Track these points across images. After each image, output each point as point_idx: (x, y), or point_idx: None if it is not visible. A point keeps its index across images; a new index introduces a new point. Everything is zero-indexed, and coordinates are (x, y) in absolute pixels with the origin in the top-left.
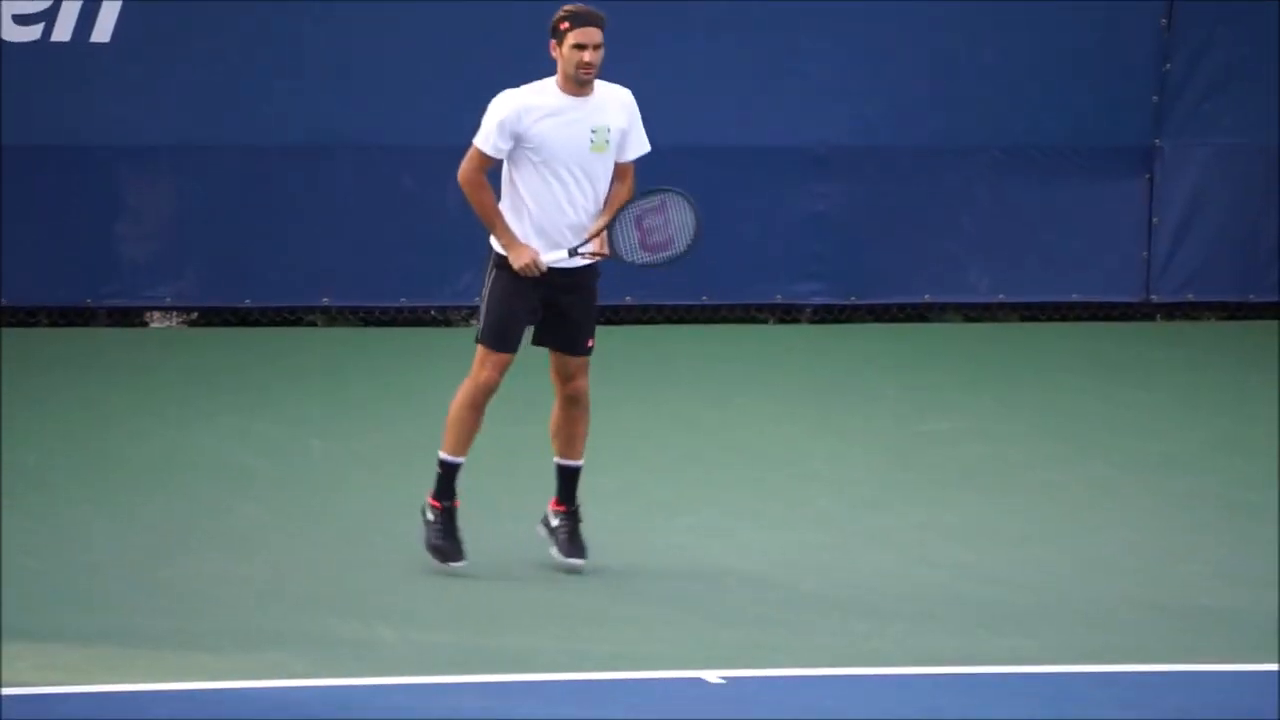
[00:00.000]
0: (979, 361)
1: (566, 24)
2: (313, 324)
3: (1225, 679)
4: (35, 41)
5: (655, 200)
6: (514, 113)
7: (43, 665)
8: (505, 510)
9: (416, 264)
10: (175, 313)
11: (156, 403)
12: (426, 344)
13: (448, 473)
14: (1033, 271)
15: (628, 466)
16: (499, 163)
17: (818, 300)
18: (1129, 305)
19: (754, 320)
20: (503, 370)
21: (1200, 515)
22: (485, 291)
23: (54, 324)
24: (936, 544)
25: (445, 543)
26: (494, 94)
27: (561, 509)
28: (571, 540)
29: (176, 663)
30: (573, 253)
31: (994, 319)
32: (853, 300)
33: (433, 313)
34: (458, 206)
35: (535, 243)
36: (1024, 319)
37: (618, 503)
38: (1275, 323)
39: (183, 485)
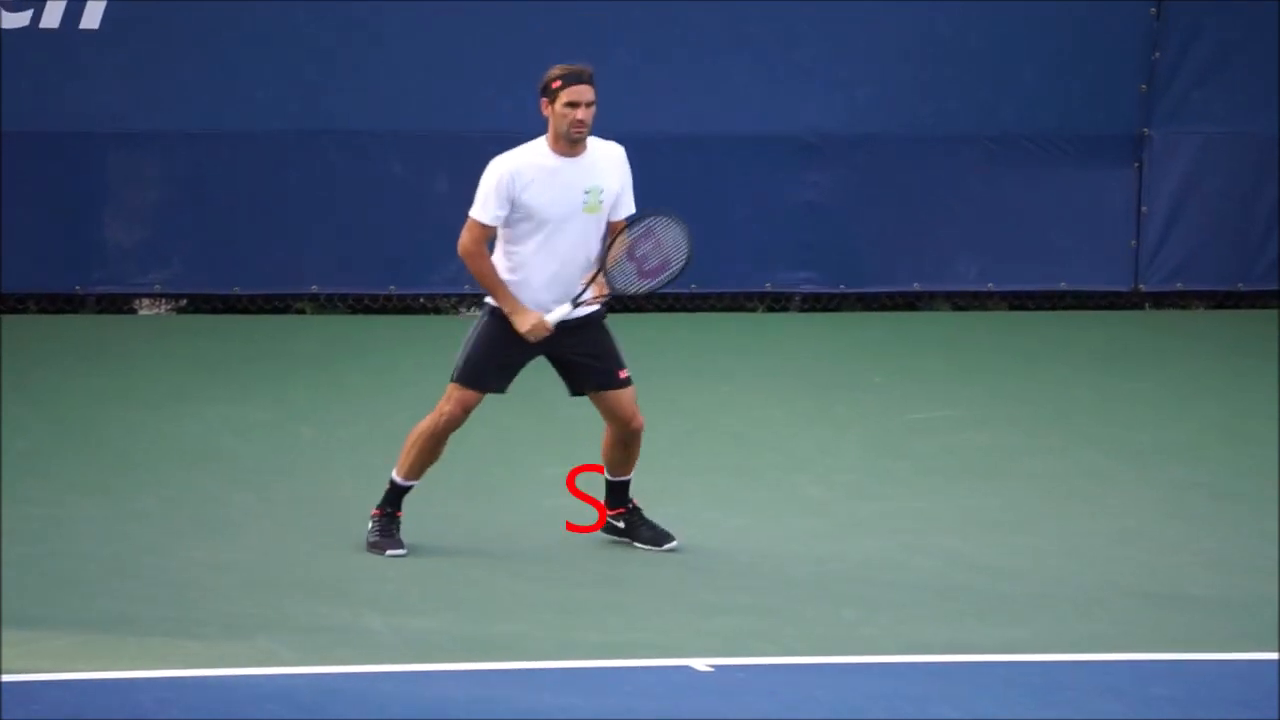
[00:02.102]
0: (968, 350)
1: (559, 82)
2: (301, 311)
3: (1216, 668)
4: (25, 28)
5: (641, 228)
6: (508, 179)
7: (31, 653)
8: (497, 499)
9: (405, 251)
10: (164, 300)
11: (145, 390)
12: (415, 331)
13: (398, 492)
14: (1022, 260)
15: None
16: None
17: (807, 288)
18: (1118, 294)
19: (743, 308)
20: (468, 410)
21: (1191, 504)
22: (473, 332)
23: (43, 311)
24: (926, 532)
25: (380, 539)
26: (483, 80)
27: (621, 510)
28: (653, 529)
29: (164, 650)
30: (576, 303)
31: (983, 308)
32: (842, 289)
33: (421, 300)
34: (447, 194)
35: (534, 300)
36: (1013, 308)
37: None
38: (1265, 311)
39: (171, 472)
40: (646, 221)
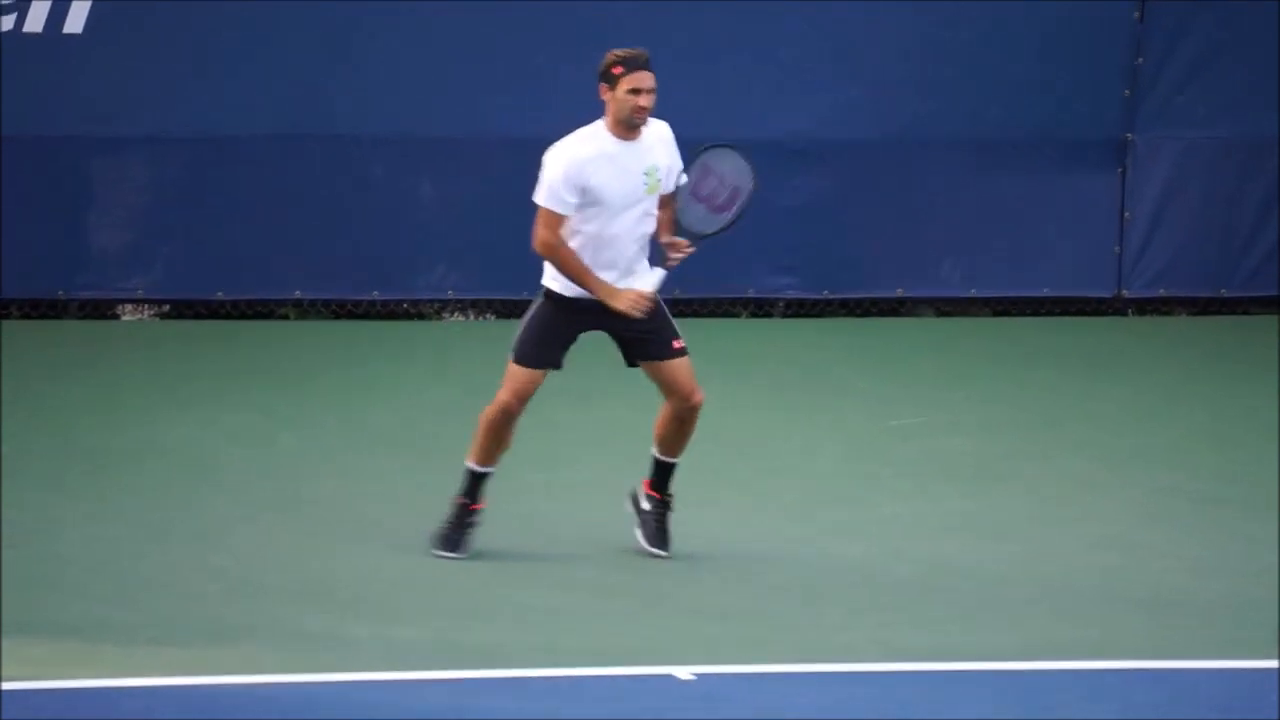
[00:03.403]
0: (951, 355)
1: (620, 68)
2: (285, 317)
3: (1200, 675)
4: (8, 32)
5: (696, 169)
6: (575, 167)
7: (11, 659)
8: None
9: (389, 257)
10: (147, 305)
11: (127, 395)
12: (399, 337)
13: (474, 479)
14: (1005, 265)
15: (599, 459)
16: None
17: (791, 294)
18: (1101, 300)
19: (727, 314)
20: (526, 396)
21: (1174, 510)
22: (528, 316)
23: (25, 316)
24: (909, 538)
25: (448, 531)
26: (467, 85)
27: (655, 495)
28: (659, 530)
29: (145, 657)
30: (666, 266)
31: (966, 313)
32: (825, 294)
33: (405, 306)
34: (431, 199)
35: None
36: (996, 313)
37: (589, 495)
38: (1247, 317)
39: (153, 477)
40: (699, 161)
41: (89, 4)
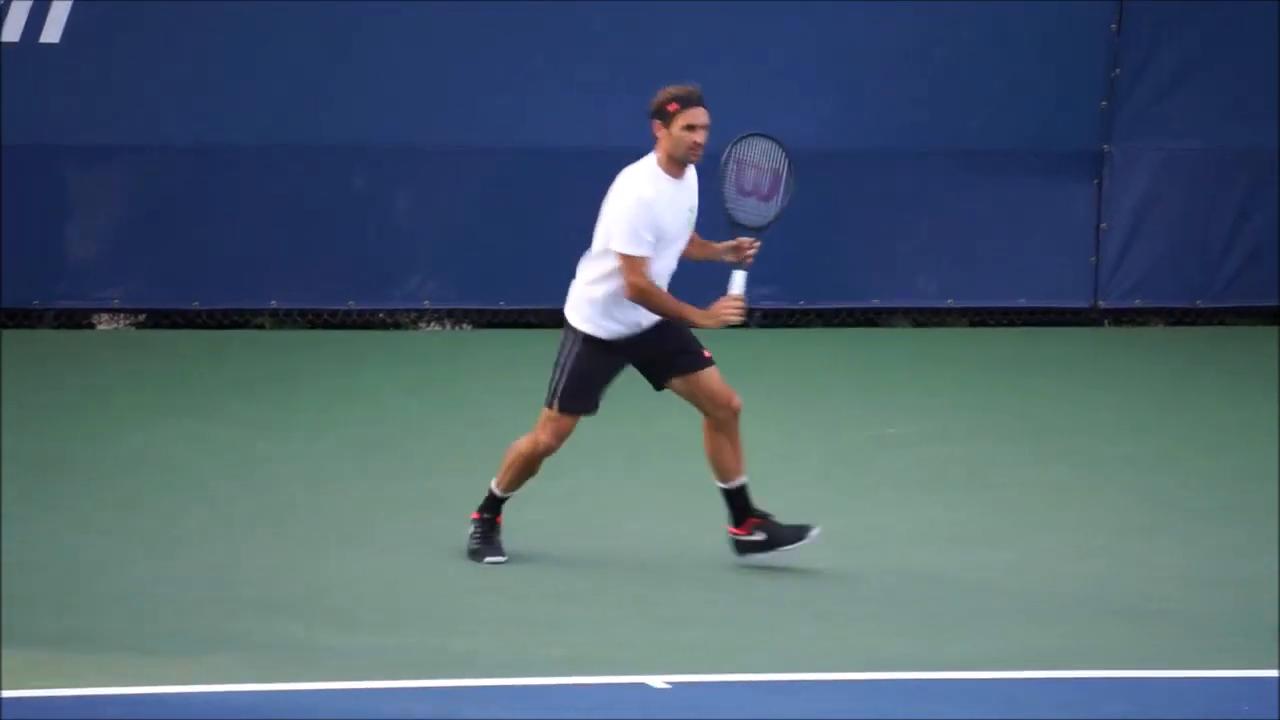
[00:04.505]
0: (929, 366)
1: (675, 105)
2: (260, 327)
3: (1179, 685)
4: None
5: (731, 166)
6: (648, 209)
7: None
8: (452, 513)
9: (365, 267)
10: (123, 315)
11: (103, 405)
12: (374, 347)
13: (496, 502)
14: (981, 276)
15: (576, 469)
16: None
17: (767, 304)
18: (1077, 310)
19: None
20: (564, 438)
21: (1151, 519)
22: (564, 358)
23: (1, 326)
24: (886, 547)
25: (481, 545)
26: (444, 95)
27: (754, 521)
28: (787, 529)
29: (121, 666)
30: (744, 266)
31: (943, 324)
32: (802, 304)
33: (381, 315)
34: (408, 209)
35: (634, 319)
36: (973, 324)
37: (566, 505)
38: (1223, 328)
39: (128, 487)
40: (729, 159)
41: (67, 14)
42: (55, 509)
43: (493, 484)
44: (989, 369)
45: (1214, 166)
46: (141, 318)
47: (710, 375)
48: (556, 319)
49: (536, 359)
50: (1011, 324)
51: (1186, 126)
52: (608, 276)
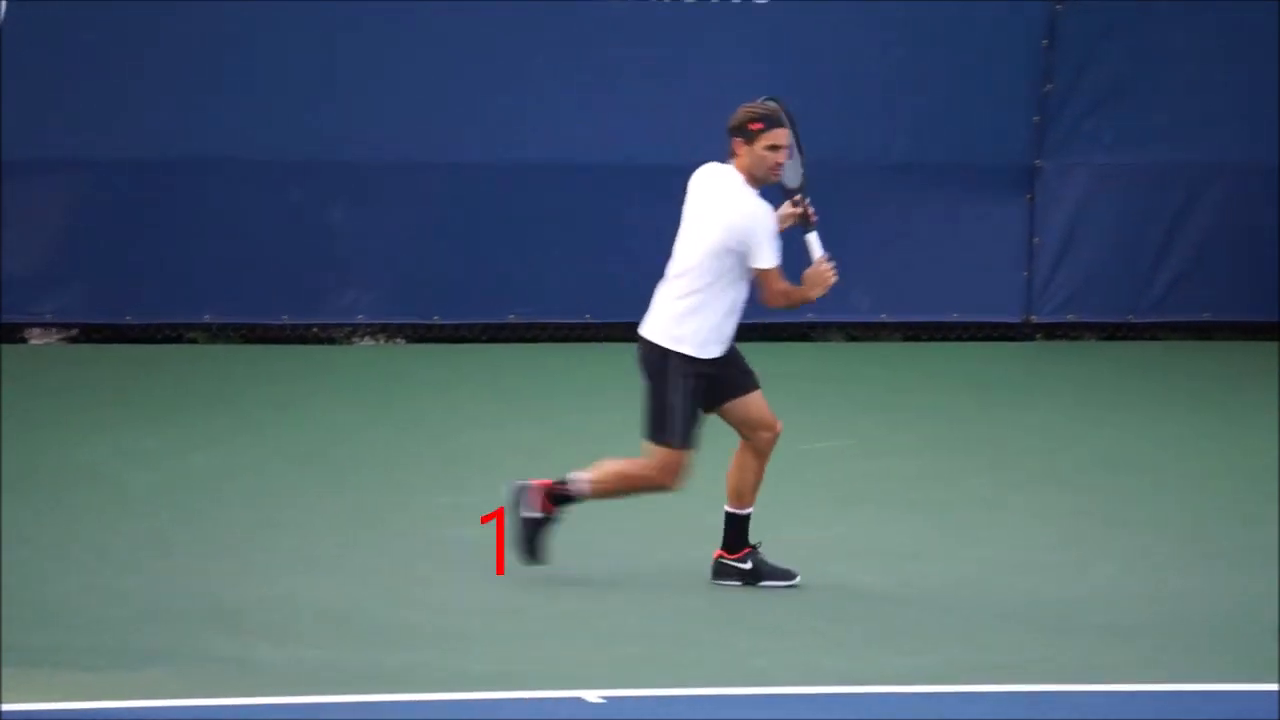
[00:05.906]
0: (862, 380)
1: (759, 124)
2: (194, 341)
3: (1109, 698)
4: None
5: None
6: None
7: None
8: (387, 528)
9: (299, 281)
10: (55, 329)
11: (36, 419)
12: (309, 361)
13: (570, 500)
14: (915, 291)
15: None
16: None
17: None
18: (1010, 325)
19: (628, 340)
20: (687, 476)
21: (1082, 533)
22: (675, 389)
23: None
24: (822, 561)
25: (527, 545)
26: (380, 110)
27: (748, 550)
28: (775, 566)
29: (50, 681)
30: (813, 225)
31: (876, 338)
32: None
33: (315, 330)
34: (342, 223)
35: (716, 327)
36: (907, 338)
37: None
38: (1155, 343)
39: (61, 501)
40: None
41: (1, 26)
42: None
43: (581, 483)
44: (922, 383)
45: (1146, 182)
46: (74, 332)
47: (761, 396)
48: (491, 334)
49: (471, 374)
50: (945, 338)
51: (1118, 141)
52: (717, 293)
